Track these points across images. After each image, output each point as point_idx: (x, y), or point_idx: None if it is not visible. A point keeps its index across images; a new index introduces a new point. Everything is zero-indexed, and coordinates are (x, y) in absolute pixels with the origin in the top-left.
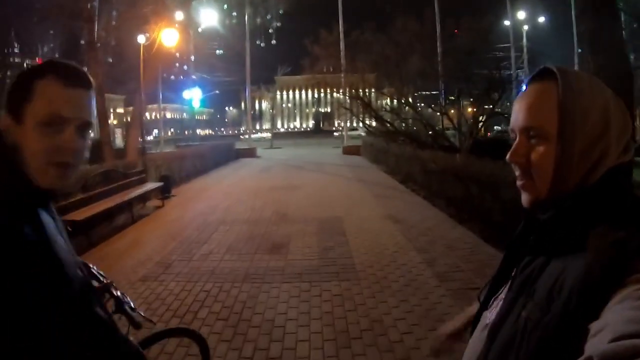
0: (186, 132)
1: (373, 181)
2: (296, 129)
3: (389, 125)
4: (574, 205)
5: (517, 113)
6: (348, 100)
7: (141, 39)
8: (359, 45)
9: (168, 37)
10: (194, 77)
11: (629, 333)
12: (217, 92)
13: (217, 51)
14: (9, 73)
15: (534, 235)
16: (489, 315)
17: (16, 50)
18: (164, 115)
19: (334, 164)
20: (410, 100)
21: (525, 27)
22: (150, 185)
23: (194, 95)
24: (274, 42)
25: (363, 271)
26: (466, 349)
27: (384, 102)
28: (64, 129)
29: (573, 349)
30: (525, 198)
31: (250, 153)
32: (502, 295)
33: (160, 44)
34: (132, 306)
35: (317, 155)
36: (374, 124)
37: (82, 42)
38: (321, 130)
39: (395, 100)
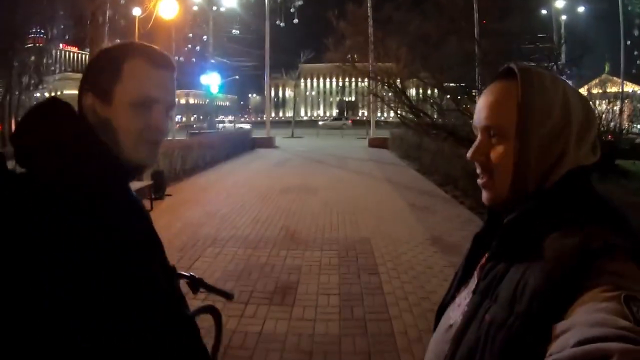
0: (208, 119)
1: (406, 184)
2: (319, 118)
3: (426, 116)
4: (534, 208)
5: (479, 112)
6: (378, 87)
7: (136, 11)
8: (392, 22)
9: (166, 8)
10: (212, 61)
11: (592, 337)
12: (236, 77)
13: (234, 31)
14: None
15: (495, 239)
16: (452, 315)
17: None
18: (187, 100)
19: (359, 158)
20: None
21: (564, 17)
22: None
23: (212, 81)
24: (295, 21)
25: (408, 350)
26: (429, 346)
27: (413, 91)
28: (153, 109)
29: (536, 351)
30: (485, 196)
31: (267, 143)
32: (464, 294)
33: (161, 18)
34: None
35: (339, 148)
36: (403, 114)
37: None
38: (346, 119)
39: (429, 89)
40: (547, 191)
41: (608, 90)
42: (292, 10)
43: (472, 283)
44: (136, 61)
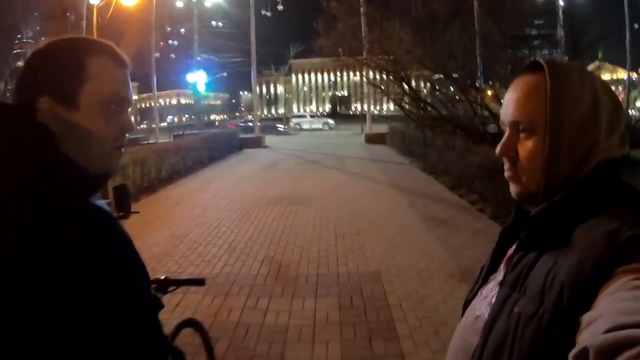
0: (200, 119)
1: (413, 188)
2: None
3: (432, 108)
4: (563, 199)
5: (507, 106)
6: (377, 77)
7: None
8: (392, 1)
9: None
10: (198, 58)
11: (623, 324)
12: (224, 74)
13: (218, 23)
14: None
15: (524, 230)
16: (479, 307)
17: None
18: (179, 100)
19: (357, 157)
20: (455, 77)
21: (561, 3)
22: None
23: (198, 79)
24: (280, 7)
25: None
26: (453, 337)
27: (415, 81)
28: (124, 109)
29: (566, 343)
30: (513, 189)
31: (256, 143)
32: (491, 286)
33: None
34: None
35: (335, 145)
36: (406, 106)
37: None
38: (338, 114)
39: (434, 78)
40: (577, 183)
41: (602, 77)
42: None
43: (499, 275)
44: (101, 59)
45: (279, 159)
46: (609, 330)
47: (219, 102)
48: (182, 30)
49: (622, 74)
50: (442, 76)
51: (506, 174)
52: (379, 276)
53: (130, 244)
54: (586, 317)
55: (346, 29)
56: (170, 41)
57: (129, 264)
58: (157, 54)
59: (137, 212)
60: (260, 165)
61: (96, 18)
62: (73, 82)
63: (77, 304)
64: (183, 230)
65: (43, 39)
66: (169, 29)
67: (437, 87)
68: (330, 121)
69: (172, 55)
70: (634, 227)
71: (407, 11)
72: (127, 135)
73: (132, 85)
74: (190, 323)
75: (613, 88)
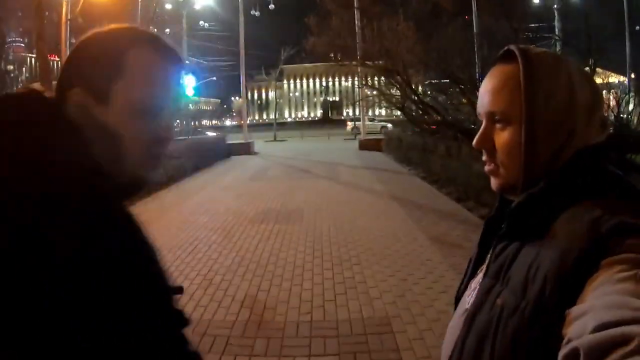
0: (192, 124)
1: (416, 200)
2: (303, 119)
3: (435, 112)
4: (542, 189)
5: (482, 97)
6: (374, 79)
7: None
8: None
9: None
10: (187, 62)
11: (612, 320)
12: (214, 78)
13: (206, 24)
14: None
15: (506, 220)
16: (467, 300)
17: None
18: None
19: (351, 165)
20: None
21: (556, 6)
22: None
23: (186, 83)
24: (272, 6)
25: None
26: (447, 333)
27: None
28: (162, 116)
29: (550, 336)
30: (494, 182)
31: (245, 149)
32: (479, 278)
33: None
34: None
35: (327, 151)
36: (404, 110)
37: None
38: (330, 119)
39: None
40: (556, 171)
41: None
42: None
43: (484, 267)
44: (142, 53)
45: (268, 167)
46: (597, 328)
47: (210, 107)
48: (167, 30)
49: (612, 78)
50: (443, 78)
51: (486, 168)
52: (389, 323)
53: (141, 246)
54: (573, 311)
55: (340, 26)
56: None
57: (134, 265)
58: None
59: None
60: (247, 175)
61: (65, 14)
62: (107, 77)
63: (77, 304)
64: None
65: (26, 40)
66: (155, 30)
67: (441, 89)
68: (389, 125)
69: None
70: (616, 215)
71: (406, 5)
72: (170, 143)
73: None
74: None
75: (605, 92)
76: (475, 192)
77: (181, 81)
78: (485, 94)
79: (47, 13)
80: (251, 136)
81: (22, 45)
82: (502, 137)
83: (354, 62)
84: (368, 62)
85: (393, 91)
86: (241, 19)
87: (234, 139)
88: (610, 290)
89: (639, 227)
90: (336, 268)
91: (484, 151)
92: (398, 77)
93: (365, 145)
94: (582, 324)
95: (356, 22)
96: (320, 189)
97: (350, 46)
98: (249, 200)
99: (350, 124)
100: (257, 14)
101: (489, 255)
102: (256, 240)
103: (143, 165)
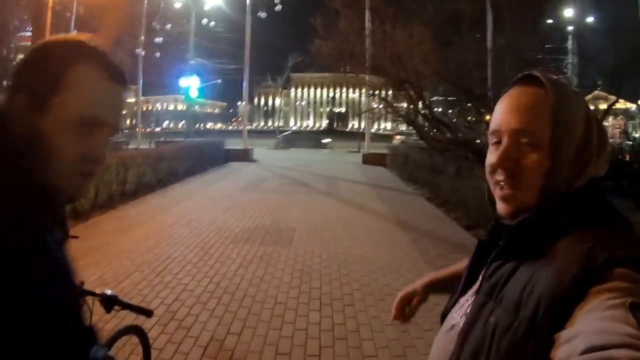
0: (197, 126)
1: (422, 226)
2: (308, 128)
3: (447, 129)
4: (549, 210)
5: (507, 115)
6: (382, 91)
7: None
8: None
9: None
10: (192, 62)
11: (600, 345)
12: (219, 81)
13: (208, 21)
14: None
15: (505, 238)
16: (455, 316)
17: None
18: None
19: (353, 180)
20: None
21: (570, 28)
22: None
23: (191, 84)
24: (278, 7)
25: None
26: (432, 350)
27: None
28: (95, 134)
29: (541, 356)
30: (505, 207)
31: (244, 156)
32: (469, 297)
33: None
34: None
35: (329, 164)
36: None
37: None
38: (335, 130)
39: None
40: (566, 196)
41: (600, 107)
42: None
43: (476, 285)
44: (85, 68)
45: (265, 176)
46: (586, 350)
47: (216, 111)
48: (168, 26)
49: (621, 104)
50: (457, 92)
51: (500, 192)
52: None
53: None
54: (563, 335)
55: (349, 28)
56: (156, 39)
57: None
58: (142, 52)
59: (77, 237)
60: (241, 183)
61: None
62: (47, 88)
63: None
64: (119, 272)
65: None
66: (158, 26)
67: (452, 105)
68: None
69: (157, 54)
70: (610, 247)
71: (422, 9)
72: (99, 163)
73: (132, 88)
74: (133, 330)
75: (612, 118)
76: (486, 219)
77: (123, 102)
78: (512, 112)
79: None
80: (253, 142)
81: (30, 34)
82: (531, 158)
83: (361, 75)
84: (376, 70)
85: (403, 104)
86: (248, 18)
87: (234, 144)
88: (600, 317)
89: (629, 259)
90: (325, 309)
91: (501, 171)
92: (409, 89)
93: (369, 160)
94: (571, 347)
95: (366, 24)
96: (317, 206)
97: (359, 51)
98: (237, 213)
99: (398, 138)
100: (264, 15)
101: (482, 273)
102: (236, 265)
103: (68, 181)
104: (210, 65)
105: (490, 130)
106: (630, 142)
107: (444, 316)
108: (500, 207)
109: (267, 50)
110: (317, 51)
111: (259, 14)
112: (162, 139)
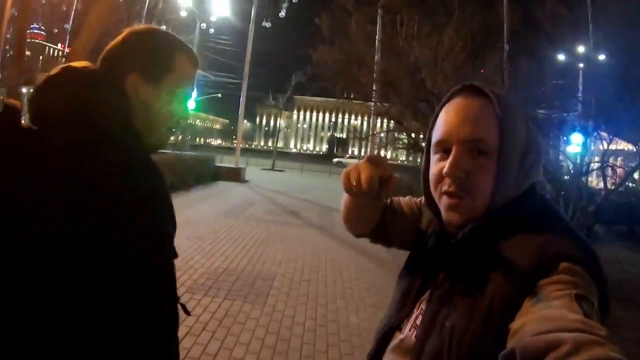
0: (197, 140)
1: None
2: (308, 151)
3: None
4: (498, 216)
5: (456, 125)
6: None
7: None
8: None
9: None
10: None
11: (548, 329)
12: (219, 95)
13: (210, 30)
14: None
15: (455, 247)
16: (405, 331)
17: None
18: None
19: None
20: None
21: (581, 65)
22: None
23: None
24: (282, 14)
25: None
26: None
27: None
28: (184, 100)
29: (501, 350)
30: (455, 216)
31: (234, 175)
32: (415, 311)
33: None
34: None
35: (325, 191)
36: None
37: None
38: (335, 155)
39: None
40: (512, 201)
41: (600, 147)
42: (281, 11)
43: (425, 295)
44: (185, 57)
45: (253, 200)
46: (533, 334)
47: (218, 127)
48: (163, 27)
49: (623, 145)
50: None
51: (450, 202)
52: None
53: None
54: (514, 325)
55: (361, 31)
56: None
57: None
58: None
59: None
60: (224, 207)
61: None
62: (161, 68)
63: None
64: None
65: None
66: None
67: None
68: None
69: None
70: (558, 245)
71: (449, 15)
72: (179, 120)
73: None
74: None
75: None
76: None
77: (195, 79)
78: (461, 122)
79: None
80: (248, 161)
81: (42, 32)
82: (481, 166)
83: (369, 91)
84: (390, 85)
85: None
86: (251, 27)
87: (226, 161)
88: (548, 305)
89: (573, 255)
90: None
91: (450, 181)
92: (427, 109)
93: None
94: (522, 334)
95: (378, 26)
96: (306, 244)
97: (370, 60)
98: (208, 246)
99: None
100: (268, 25)
101: (432, 283)
102: (183, 331)
103: (164, 134)
104: (212, 78)
105: (436, 139)
106: None
107: (384, 336)
108: (449, 216)
109: (270, 68)
110: (321, 60)
111: (263, 23)
112: None
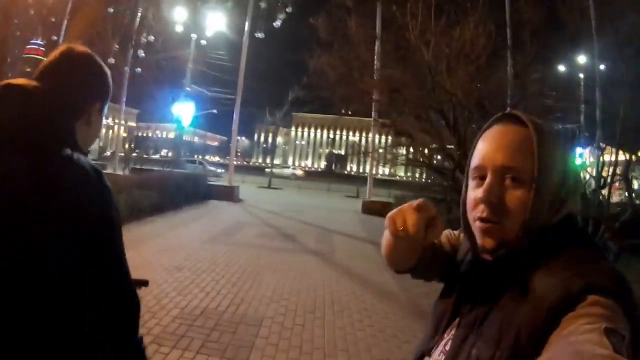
0: (195, 157)
1: None
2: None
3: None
4: (530, 244)
5: (492, 152)
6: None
7: None
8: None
9: None
10: (188, 89)
11: None
12: (214, 111)
13: (203, 42)
14: None
15: (486, 272)
16: (434, 357)
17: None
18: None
19: (352, 235)
20: None
21: (582, 75)
22: None
23: (184, 112)
24: (277, 23)
25: None
26: None
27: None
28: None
29: None
30: (488, 242)
31: (228, 194)
32: (446, 335)
33: None
34: None
35: (324, 210)
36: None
37: None
38: (333, 172)
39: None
40: (544, 230)
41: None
42: (278, 20)
43: (456, 321)
44: (110, 80)
45: (245, 222)
46: None
47: (216, 144)
48: (152, 37)
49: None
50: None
51: (483, 226)
52: None
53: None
54: (541, 358)
55: (361, 33)
56: (139, 51)
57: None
58: (113, 60)
59: None
60: (213, 230)
61: None
62: (107, 97)
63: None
64: None
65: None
66: (147, 37)
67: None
68: None
69: (139, 69)
70: (586, 277)
71: (463, 14)
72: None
73: (132, 112)
74: None
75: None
76: None
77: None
78: (497, 149)
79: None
80: (244, 179)
81: (41, 47)
82: (515, 194)
83: (370, 100)
84: (396, 90)
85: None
86: (245, 41)
87: (220, 180)
88: (577, 340)
89: (604, 287)
90: None
91: (484, 207)
92: (439, 120)
93: (370, 209)
94: None
95: (377, 26)
96: (301, 277)
97: (371, 64)
98: (186, 279)
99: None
100: (261, 35)
101: (463, 308)
102: None
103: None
104: (207, 95)
105: (473, 165)
106: None
107: (422, 355)
108: (483, 241)
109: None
110: (318, 67)
111: (256, 34)
112: (137, 166)
